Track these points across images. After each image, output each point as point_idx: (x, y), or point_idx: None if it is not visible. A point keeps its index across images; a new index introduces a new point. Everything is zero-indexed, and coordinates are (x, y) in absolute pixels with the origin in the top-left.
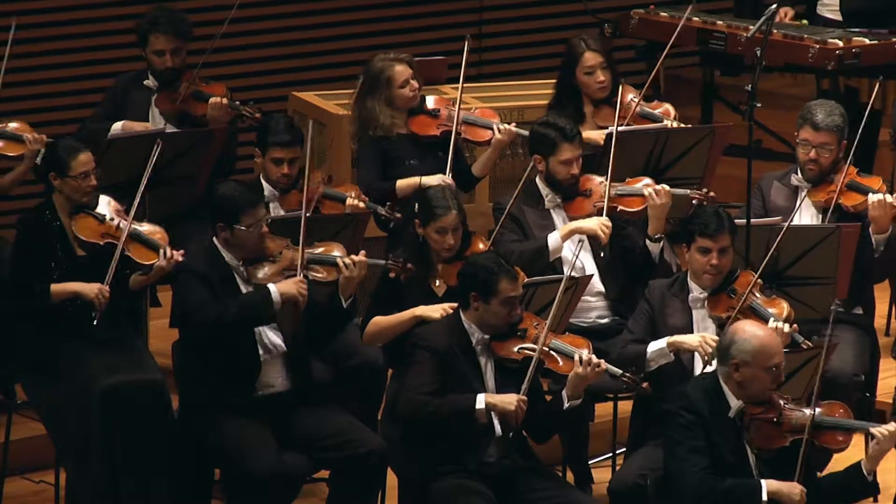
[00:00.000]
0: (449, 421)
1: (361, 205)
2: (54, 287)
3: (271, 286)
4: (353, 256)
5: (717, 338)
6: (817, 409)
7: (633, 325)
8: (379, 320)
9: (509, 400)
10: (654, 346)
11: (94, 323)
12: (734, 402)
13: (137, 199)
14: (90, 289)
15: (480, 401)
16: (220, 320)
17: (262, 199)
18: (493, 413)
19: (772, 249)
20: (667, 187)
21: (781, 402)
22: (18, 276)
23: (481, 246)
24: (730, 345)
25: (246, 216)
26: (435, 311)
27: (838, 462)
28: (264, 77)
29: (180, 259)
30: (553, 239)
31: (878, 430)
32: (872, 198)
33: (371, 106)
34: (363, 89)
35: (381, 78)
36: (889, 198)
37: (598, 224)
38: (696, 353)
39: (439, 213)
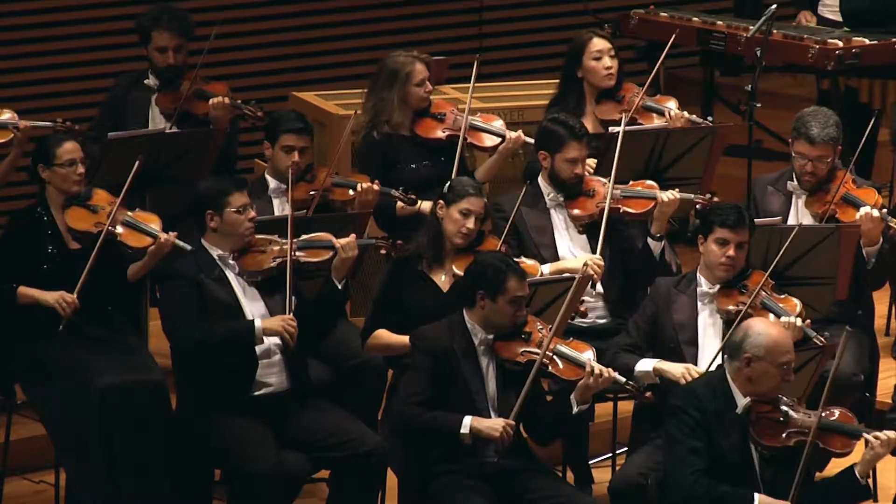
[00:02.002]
0: (436, 437)
1: (375, 187)
2: (21, 290)
3: (256, 321)
4: (342, 238)
5: (700, 370)
6: (823, 413)
7: (633, 328)
8: (382, 335)
9: (495, 426)
10: (641, 367)
11: (60, 328)
12: (741, 400)
13: (126, 187)
14: (50, 297)
15: (466, 425)
16: (203, 343)
17: (246, 185)
18: (478, 437)
19: (781, 251)
20: (676, 193)
21: (789, 402)
22: None
23: (493, 244)
24: (743, 339)
25: (232, 197)
26: None
27: (836, 464)
28: (264, 77)
29: (174, 240)
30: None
31: (873, 435)
32: (862, 211)
33: (388, 98)
34: (380, 81)
35: (400, 73)
36: (876, 212)
37: (589, 264)
38: (699, 354)
39: (470, 192)
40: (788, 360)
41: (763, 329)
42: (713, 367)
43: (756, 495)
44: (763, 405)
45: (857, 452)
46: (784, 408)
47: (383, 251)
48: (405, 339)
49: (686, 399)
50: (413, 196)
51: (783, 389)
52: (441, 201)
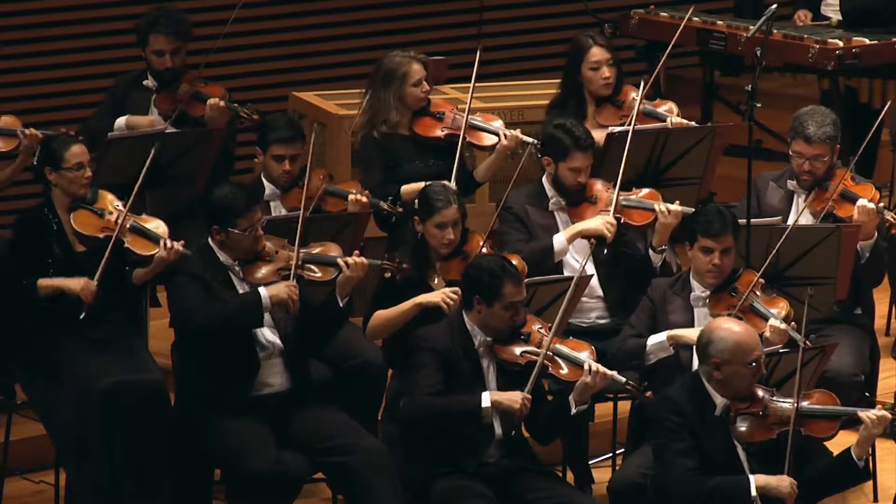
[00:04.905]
0: (456, 420)
1: (364, 199)
2: (41, 282)
3: (262, 290)
4: (352, 258)
5: None
6: (801, 400)
7: (635, 320)
8: (381, 313)
9: (514, 398)
10: (653, 340)
11: (81, 317)
12: (719, 400)
13: (135, 192)
14: (75, 283)
15: (486, 399)
16: (220, 324)
17: (259, 203)
18: (496, 412)
19: (774, 250)
20: (679, 207)
21: (766, 395)
22: (7, 272)
23: (480, 243)
24: (707, 344)
25: (241, 220)
26: (436, 296)
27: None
28: (264, 77)
29: (181, 249)
30: (558, 240)
31: (866, 414)
32: (857, 204)
33: (385, 98)
34: (377, 82)
35: (396, 73)
36: (871, 204)
37: (604, 223)
38: (693, 352)
39: (439, 206)
40: (756, 357)
41: (726, 333)
42: None
43: (751, 477)
44: (740, 402)
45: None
46: (762, 401)
47: (388, 274)
48: (402, 306)
49: (663, 406)
50: (401, 209)
51: (756, 383)
52: (416, 217)
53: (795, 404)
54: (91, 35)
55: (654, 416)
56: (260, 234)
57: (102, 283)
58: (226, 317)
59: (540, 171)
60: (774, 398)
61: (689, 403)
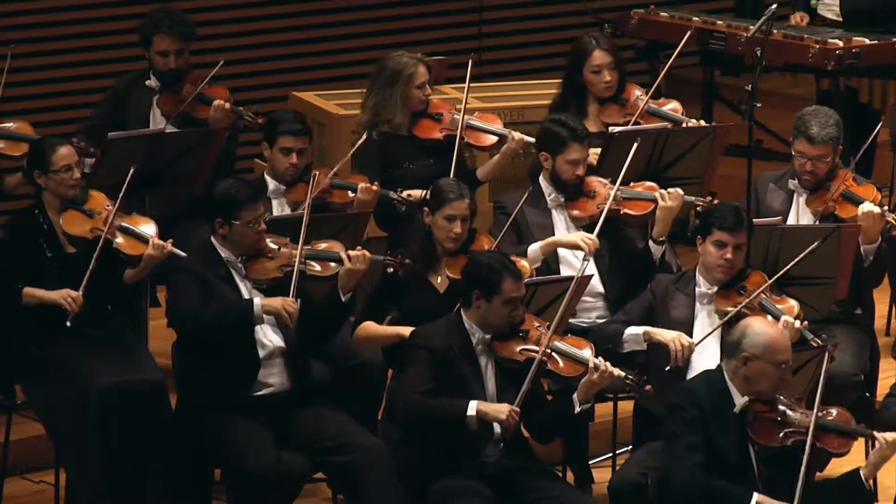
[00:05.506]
0: (440, 424)
1: (375, 188)
2: (25, 291)
3: (256, 299)
4: (354, 251)
5: (692, 339)
6: (820, 413)
7: (630, 307)
8: (369, 326)
9: (501, 409)
10: (631, 331)
11: (68, 325)
12: (739, 400)
13: (122, 193)
14: (57, 295)
15: (472, 407)
16: (199, 316)
17: (262, 197)
18: (484, 420)
19: (800, 257)
20: (679, 191)
21: (786, 402)
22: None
23: (486, 244)
24: (741, 338)
25: (245, 212)
26: None
27: (838, 463)
28: (264, 77)
29: (170, 248)
30: (532, 250)
31: (883, 435)
32: (862, 208)
33: (391, 96)
34: (381, 81)
35: (403, 73)
36: (877, 208)
37: (580, 237)
38: (694, 353)
39: (451, 197)
40: (786, 360)
41: (761, 328)
42: (706, 351)
43: (754, 494)
44: (761, 405)
45: (855, 451)
46: (782, 407)
47: (390, 269)
48: (390, 329)
49: (684, 396)
50: (412, 199)
51: (782, 389)
52: (426, 208)
53: (815, 413)
54: (91, 35)
55: (675, 404)
56: (263, 229)
57: (94, 285)
58: (215, 322)
59: (533, 171)
60: (794, 406)
61: (709, 397)
